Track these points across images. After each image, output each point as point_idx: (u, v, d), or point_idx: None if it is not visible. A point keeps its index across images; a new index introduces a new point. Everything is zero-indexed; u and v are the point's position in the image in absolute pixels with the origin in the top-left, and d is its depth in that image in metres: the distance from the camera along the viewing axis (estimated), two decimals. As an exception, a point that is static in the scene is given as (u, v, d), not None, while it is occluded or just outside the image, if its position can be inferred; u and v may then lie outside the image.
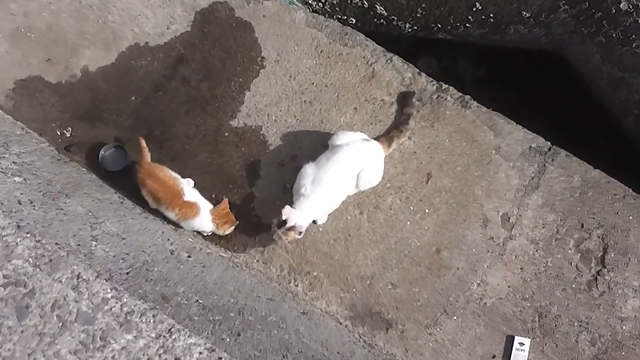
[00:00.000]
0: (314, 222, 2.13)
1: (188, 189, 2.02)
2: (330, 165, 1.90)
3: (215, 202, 2.09)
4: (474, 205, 2.15)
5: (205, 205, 2.03)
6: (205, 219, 2.00)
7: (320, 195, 1.89)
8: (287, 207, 1.87)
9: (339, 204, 2.05)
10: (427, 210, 2.16)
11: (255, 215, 2.21)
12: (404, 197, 2.18)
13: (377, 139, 2.09)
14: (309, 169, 1.93)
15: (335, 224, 2.18)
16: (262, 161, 2.25)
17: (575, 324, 2.02)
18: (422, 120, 2.25)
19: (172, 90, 2.34)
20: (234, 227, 2.07)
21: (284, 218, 1.85)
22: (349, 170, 1.95)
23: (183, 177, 2.09)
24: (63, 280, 1.37)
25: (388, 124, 2.24)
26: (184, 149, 2.28)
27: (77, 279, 1.37)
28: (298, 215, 1.87)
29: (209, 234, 2.14)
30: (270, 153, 2.26)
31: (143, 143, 2.05)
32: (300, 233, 1.88)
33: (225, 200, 2.04)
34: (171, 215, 1.98)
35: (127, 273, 1.52)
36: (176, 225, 2.06)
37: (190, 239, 2.08)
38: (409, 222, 2.16)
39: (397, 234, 2.16)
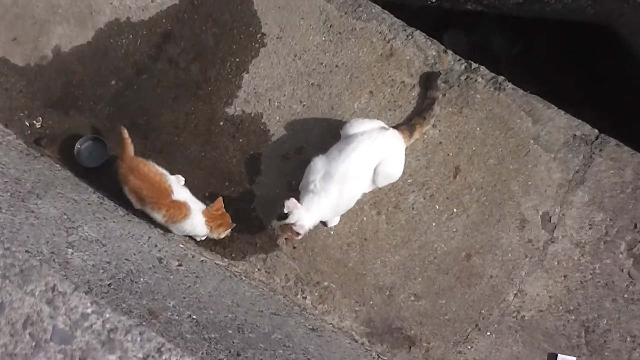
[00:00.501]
0: (324, 224, 2.16)
1: (177, 187, 2.02)
2: (343, 158, 1.91)
3: (209, 201, 2.09)
4: (509, 204, 2.14)
5: (197, 206, 2.03)
6: (197, 221, 2.00)
7: (331, 193, 1.90)
8: (293, 199, 1.88)
9: (354, 203, 2.05)
10: (455, 210, 2.16)
11: (256, 217, 2.21)
12: (429, 195, 2.17)
13: (396, 127, 2.09)
14: (318, 163, 1.95)
15: (349, 227, 2.17)
16: (263, 154, 2.25)
17: (628, 339, 2.00)
18: (448, 105, 2.23)
19: (158, 73, 2.31)
20: (230, 230, 2.08)
21: (285, 211, 1.87)
22: (365, 163, 1.95)
23: (172, 173, 2.09)
24: (36, 293, 1.37)
25: (409, 110, 2.23)
26: (172, 140, 2.27)
27: (53, 292, 1.37)
28: (302, 213, 1.88)
29: (203, 238, 2.14)
30: (273, 145, 2.25)
31: (125, 134, 2.05)
32: (298, 234, 1.88)
33: (220, 199, 2.05)
34: (158, 217, 1.98)
35: (109, 285, 1.52)
36: (164, 229, 2.06)
37: (181, 245, 2.08)
38: (434, 224, 2.15)
39: (420, 237, 2.15)
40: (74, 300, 1.36)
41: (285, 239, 2.05)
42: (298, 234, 1.89)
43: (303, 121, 2.25)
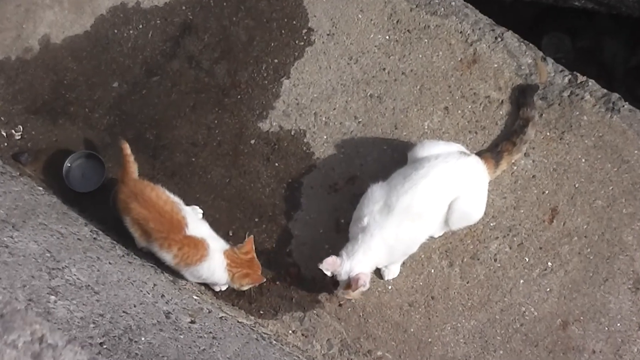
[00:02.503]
0: (380, 275, 2.35)
1: (193, 220, 2.20)
2: (409, 186, 2.07)
3: (233, 242, 2.27)
4: (620, 259, 2.35)
5: (217, 245, 2.19)
6: (216, 264, 2.17)
7: (387, 231, 2.07)
8: (329, 258, 2.05)
9: (416, 248, 2.21)
10: (549, 264, 2.36)
11: (293, 264, 2.42)
12: (516, 244, 2.38)
13: (479, 154, 2.26)
14: (377, 192, 2.13)
15: (412, 281, 2.36)
16: (305, 183, 2.46)
17: None
18: (546, 128, 2.42)
19: (174, 75, 2.52)
20: (257, 284, 2.25)
21: (327, 274, 2.05)
22: (436, 196, 2.09)
23: (187, 203, 2.27)
24: (19, 344, 1.48)
25: (495, 133, 2.44)
26: (189, 161, 2.49)
27: (40, 344, 1.47)
28: (351, 262, 2.06)
29: (223, 288, 2.34)
30: (318, 172, 2.45)
31: (127, 150, 2.23)
32: (364, 284, 2.07)
33: (251, 239, 2.21)
34: (168, 257, 2.16)
35: (101, 344, 1.61)
36: (175, 274, 2.24)
37: (195, 297, 2.24)
38: (522, 281, 2.36)
39: (504, 297, 2.34)
40: (67, 355, 1.47)
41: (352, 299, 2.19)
42: (364, 284, 2.07)
43: (358, 142, 2.44)
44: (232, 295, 2.41)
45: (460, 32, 2.53)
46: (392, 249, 2.13)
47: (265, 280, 2.23)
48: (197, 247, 2.14)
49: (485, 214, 2.27)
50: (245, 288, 2.25)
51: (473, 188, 2.15)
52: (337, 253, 2.14)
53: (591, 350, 2.31)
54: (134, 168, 2.24)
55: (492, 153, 2.31)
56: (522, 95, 2.44)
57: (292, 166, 2.50)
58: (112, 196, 2.29)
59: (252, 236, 2.22)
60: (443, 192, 2.10)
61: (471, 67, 2.52)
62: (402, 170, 2.15)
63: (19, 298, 1.58)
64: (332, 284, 2.14)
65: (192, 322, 2.08)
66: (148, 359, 1.67)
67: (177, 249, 2.12)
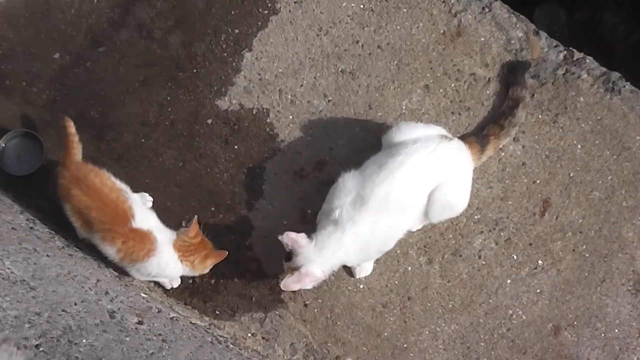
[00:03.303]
0: (351, 272, 2.25)
1: (141, 210, 2.11)
2: (385, 176, 1.98)
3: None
4: (619, 257, 2.27)
5: (165, 237, 2.11)
6: (167, 258, 2.08)
7: (361, 226, 1.98)
8: (292, 233, 1.99)
9: (393, 244, 2.11)
10: (540, 262, 2.27)
11: (253, 259, 2.31)
12: (503, 239, 2.30)
13: (462, 138, 2.18)
14: (349, 181, 2.03)
15: (386, 279, 2.28)
16: (268, 169, 2.36)
17: None
18: (538, 110, 2.33)
19: (122, 45, 2.43)
20: (220, 259, 2.16)
21: (287, 248, 1.99)
22: (415, 186, 2.01)
23: (135, 189, 2.18)
24: None
25: (481, 114, 2.35)
26: (138, 142, 2.40)
27: None
28: (311, 253, 1.98)
29: (175, 285, 2.26)
30: (282, 156, 2.36)
31: (71, 129, 2.15)
32: (313, 281, 2.00)
33: (195, 220, 2.12)
34: (110, 252, 2.06)
35: (37, 346, 1.56)
36: (120, 269, 2.15)
37: (143, 295, 2.16)
38: (509, 281, 2.27)
39: (488, 299, 2.25)
40: (1, 357, 1.43)
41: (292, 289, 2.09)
42: (313, 280, 1.99)
43: (327, 123, 2.36)
44: (184, 294, 2.33)
45: (444, 1, 2.41)
46: (367, 246, 2.04)
47: (227, 253, 2.15)
48: (144, 241, 2.05)
49: (469, 205, 2.17)
50: (208, 269, 2.18)
51: (456, 176, 2.06)
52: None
53: (586, 358, 2.22)
54: (77, 149, 2.15)
55: (477, 137, 2.21)
56: (511, 73, 2.34)
57: (253, 149, 2.40)
58: (52, 181, 2.18)
59: (195, 216, 2.13)
60: (423, 181, 2.01)
61: (455, 41, 2.41)
62: (377, 157, 2.06)
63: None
64: (285, 255, 2.04)
65: (140, 322, 2.01)
66: (91, 363, 1.55)
67: (122, 242, 2.03)
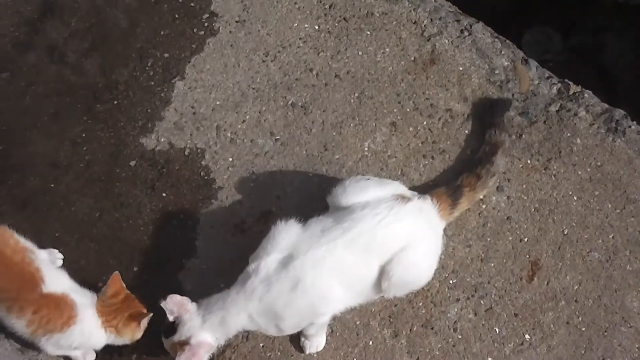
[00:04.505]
0: (300, 347, 2.09)
1: (51, 271, 1.96)
2: (326, 240, 1.88)
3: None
4: (622, 331, 2.08)
5: (86, 300, 1.97)
6: (91, 325, 1.94)
7: (277, 292, 1.85)
8: (175, 296, 1.89)
9: (325, 320, 1.99)
10: (527, 337, 2.08)
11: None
12: (483, 308, 2.11)
13: (431, 188, 2.08)
14: (282, 232, 1.92)
15: (343, 355, 2.09)
16: (202, 221, 2.20)
17: None
18: (527, 154, 2.21)
19: (29, 71, 2.29)
20: (147, 320, 2.00)
21: (171, 316, 1.88)
22: (361, 259, 1.90)
23: (42, 245, 2.03)
24: None
25: (459, 158, 2.22)
26: (47, 188, 2.23)
27: None
28: (197, 320, 1.86)
29: (89, 359, 2.07)
30: (219, 206, 2.22)
31: None
32: (207, 352, 1.87)
33: (115, 275, 1.99)
34: (19, 325, 1.92)
35: None
36: (24, 341, 1.96)
37: None
38: (490, 358, 2.06)
39: None
40: None
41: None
42: (206, 352, 1.85)
43: (274, 167, 2.22)
44: None
45: (415, 22, 2.32)
46: (277, 318, 1.90)
47: (152, 314, 1.98)
48: (61, 306, 1.91)
49: (443, 267, 2.08)
50: (139, 334, 2.01)
51: (415, 245, 1.93)
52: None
53: None
54: (-31, 199, 2.09)
55: (448, 189, 2.08)
56: (489, 112, 2.21)
57: (185, 197, 2.23)
58: None
59: (116, 272, 2.00)
60: (370, 254, 1.91)
61: (428, 70, 2.29)
62: (322, 219, 1.95)
63: None
64: (163, 330, 1.92)
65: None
66: None
67: (32, 312, 1.89)
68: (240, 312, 1.87)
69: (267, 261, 1.87)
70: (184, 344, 1.86)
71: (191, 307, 1.89)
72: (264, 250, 1.90)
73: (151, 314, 1.98)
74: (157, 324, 2.01)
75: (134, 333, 1.99)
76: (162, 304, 1.86)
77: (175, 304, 1.87)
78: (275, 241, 1.91)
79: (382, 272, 1.91)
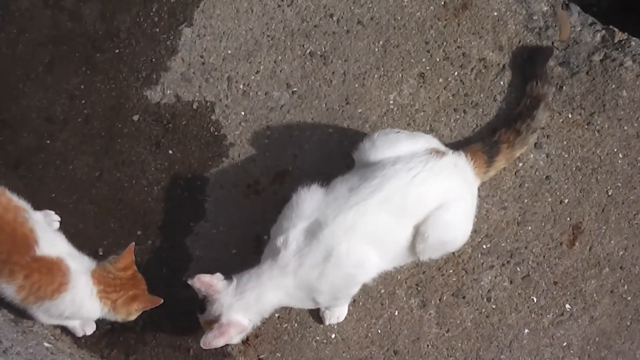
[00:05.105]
0: (320, 317, 2.07)
1: (46, 233, 1.95)
2: (355, 201, 1.84)
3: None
4: None
5: (81, 265, 1.95)
6: (84, 293, 1.92)
7: (310, 264, 1.84)
8: (204, 276, 1.87)
9: (357, 289, 1.98)
10: (568, 307, 2.06)
11: (191, 299, 2.00)
12: (520, 276, 2.09)
13: (466, 144, 2.06)
14: (306, 200, 1.90)
15: (366, 327, 2.08)
16: (212, 181, 2.18)
17: None
18: (568, 108, 2.17)
19: (22, 17, 2.26)
20: (151, 307, 2.01)
21: (200, 294, 1.89)
22: (395, 218, 1.88)
23: (37, 206, 2.00)
24: None
25: (492, 113, 2.18)
26: (42, 145, 2.21)
27: None
28: (229, 298, 1.85)
29: (89, 331, 2.07)
30: (231, 164, 2.20)
31: None
32: (239, 332, 1.87)
33: (131, 247, 1.98)
34: (9, 290, 1.90)
35: None
36: (18, 311, 1.96)
37: (47, 344, 1.98)
38: (527, 331, 2.05)
39: (500, 355, 2.06)
40: None
41: (245, 342, 1.98)
42: (242, 331, 1.86)
43: (290, 122, 2.19)
44: (100, 344, 2.09)
45: None
46: (313, 291, 1.89)
47: (162, 301, 1.98)
48: (53, 272, 1.88)
49: (475, 231, 2.03)
50: (134, 317, 2.01)
51: (452, 203, 1.91)
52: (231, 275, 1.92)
53: None
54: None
55: (484, 145, 2.04)
56: (530, 62, 2.15)
57: (193, 155, 2.20)
58: None
59: (132, 244, 1.98)
60: (405, 212, 1.88)
61: (459, 16, 2.21)
62: (347, 178, 1.92)
63: None
64: (199, 305, 1.93)
65: (39, 384, 1.86)
66: None
67: (24, 277, 1.87)
68: (276, 288, 1.87)
69: (295, 233, 1.86)
70: (213, 322, 1.88)
71: (221, 286, 1.88)
72: (288, 221, 1.89)
73: (160, 302, 1.99)
74: (163, 297, 2.00)
75: (129, 314, 2.00)
76: (189, 282, 1.87)
77: (202, 284, 1.88)
78: (299, 210, 1.89)
79: (417, 233, 1.89)
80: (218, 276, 1.89)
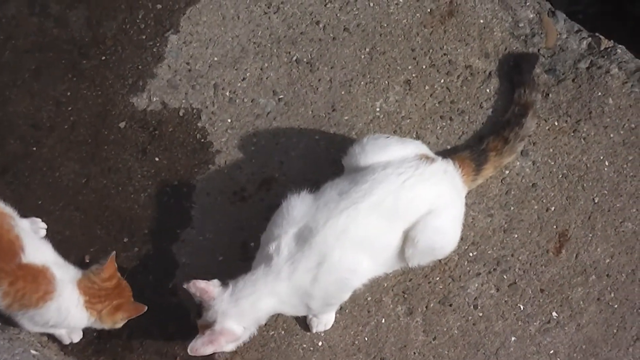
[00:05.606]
0: (307, 325, 2.06)
1: (32, 240, 1.94)
2: (346, 205, 1.84)
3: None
4: None
5: (67, 274, 1.95)
6: (69, 302, 1.91)
7: (303, 269, 1.84)
8: (198, 281, 1.86)
9: (347, 296, 1.98)
10: (555, 315, 2.05)
11: (178, 306, 2.09)
12: (507, 283, 2.09)
13: (453, 153, 2.06)
14: (296, 207, 1.89)
15: (353, 335, 2.07)
16: (198, 188, 2.18)
17: None
18: (554, 115, 2.17)
19: (8, 24, 2.26)
20: (136, 315, 2.00)
21: (196, 300, 1.88)
22: (385, 223, 1.88)
23: (23, 213, 2.00)
24: None
25: (479, 120, 2.18)
26: (28, 151, 2.21)
27: None
28: (225, 304, 1.84)
29: (76, 339, 2.07)
30: (217, 171, 2.19)
31: None
32: (231, 341, 1.86)
33: (112, 257, 1.97)
34: None
35: None
36: (5, 318, 1.96)
37: (33, 351, 1.97)
38: (513, 338, 2.04)
39: None
40: None
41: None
42: (235, 339, 1.84)
43: (277, 129, 2.19)
44: (87, 351, 2.08)
45: None
46: (307, 297, 1.88)
47: (146, 309, 1.97)
48: (38, 280, 1.88)
49: (462, 238, 2.01)
50: (120, 325, 2.01)
51: (440, 209, 1.91)
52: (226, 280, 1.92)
53: None
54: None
55: (472, 152, 2.05)
56: (516, 69, 2.16)
57: (179, 162, 2.20)
58: None
59: (113, 253, 1.97)
60: (395, 217, 1.88)
61: (446, 23, 2.23)
62: (337, 183, 1.92)
63: None
64: (197, 309, 1.93)
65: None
66: None
67: (8, 284, 1.87)
68: (271, 294, 1.87)
69: (286, 239, 1.85)
70: (207, 327, 1.87)
71: (216, 292, 1.87)
72: (279, 228, 1.88)
73: (144, 310, 1.98)
74: (149, 304, 1.99)
75: (114, 323, 1.99)
76: (185, 285, 1.86)
77: (197, 290, 1.87)
78: (290, 216, 1.89)
79: (407, 239, 1.88)
80: (215, 282, 1.88)
